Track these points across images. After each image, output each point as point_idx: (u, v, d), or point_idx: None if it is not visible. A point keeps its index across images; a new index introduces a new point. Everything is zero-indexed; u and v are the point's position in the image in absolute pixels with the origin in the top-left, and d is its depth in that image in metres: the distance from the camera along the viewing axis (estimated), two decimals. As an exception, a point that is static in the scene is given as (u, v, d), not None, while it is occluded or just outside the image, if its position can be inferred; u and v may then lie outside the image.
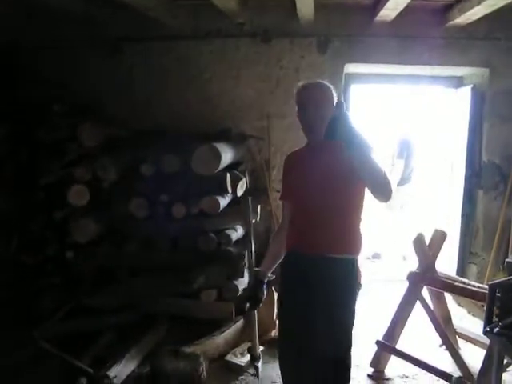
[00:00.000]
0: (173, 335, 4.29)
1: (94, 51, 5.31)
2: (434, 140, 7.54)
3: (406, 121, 7.33)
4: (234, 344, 4.28)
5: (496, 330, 2.53)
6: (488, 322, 2.71)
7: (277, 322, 4.39)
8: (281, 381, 2.89)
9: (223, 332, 4.28)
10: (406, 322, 4.06)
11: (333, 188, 2.65)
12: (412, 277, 4.05)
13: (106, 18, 5.06)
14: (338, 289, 2.64)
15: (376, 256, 7.32)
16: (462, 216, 5.61)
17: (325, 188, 2.65)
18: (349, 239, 2.71)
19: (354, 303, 2.70)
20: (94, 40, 5.25)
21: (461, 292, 3.86)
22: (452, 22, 4.91)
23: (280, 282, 2.88)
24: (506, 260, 3.49)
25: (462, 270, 5.64)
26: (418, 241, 4.05)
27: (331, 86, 2.73)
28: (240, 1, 4.72)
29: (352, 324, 2.70)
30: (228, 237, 4.43)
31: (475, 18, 4.66)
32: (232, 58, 5.31)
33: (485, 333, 2.67)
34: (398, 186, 7.32)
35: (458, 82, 5.95)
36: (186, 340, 4.06)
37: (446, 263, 5.79)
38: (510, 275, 3.36)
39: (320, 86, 2.72)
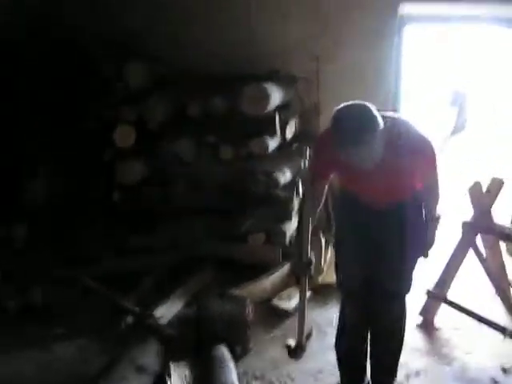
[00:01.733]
0: (220, 278, 4.28)
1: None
2: (491, 87, 7.20)
3: (461, 67, 6.94)
4: (280, 288, 4.24)
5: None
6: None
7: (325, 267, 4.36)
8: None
9: (270, 276, 4.25)
10: (457, 270, 3.93)
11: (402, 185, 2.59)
12: (466, 225, 3.89)
13: None
14: (412, 226, 2.67)
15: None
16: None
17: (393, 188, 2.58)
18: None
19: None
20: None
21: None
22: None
23: (340, 217, 2.92)
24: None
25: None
26: (475, 189, 3.87)
27: (373, 110, 2.25)
28: None
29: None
30: (276, 180, 4.31)
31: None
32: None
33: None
34: (451, 134, 7.07)
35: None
36: (232, 283, 4.05)
37: (503, 215, 5.60)
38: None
39: (365, 117, 2.22)
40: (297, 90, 5.02)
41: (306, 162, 4.65)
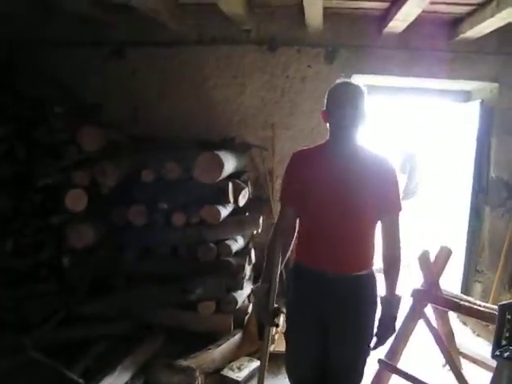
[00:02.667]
0: (168, 347, 4.16)
1: (98, 54, 5.21)
2: (441, 155, 7.44)
3: (411, 134, 7.19)
4: (230, 358, 4.16)
5: (506, 354, 2.42)
6: (497, 345, 2.60)
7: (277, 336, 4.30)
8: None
9: (220, 345, 4.17)
10: (408, 340, 3.94)
11: (364, 201, 2.58)
12: (416, 294, 3.94)
13: (110, 21, 4.98)
14: (365, 302, 2.66)
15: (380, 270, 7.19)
16: (468, 233, 5.50)
17: (356, 201, 2.57)
18: (372, 254, 2.70)
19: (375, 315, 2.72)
20: (98, 42, 5.16)
21: (466, 311, 3.75)
22: (462, 36, 4.82)
23: (293, 298, 2.77)
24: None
25: (466, 288, 5.51)
26: (423, 258, 3.93)
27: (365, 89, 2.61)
28: (247, 7, 4.63)
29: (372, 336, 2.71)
30: (228, 247, 4.32)
31: (487, 31, 4.56)
32: (237, 66, 5.22)
33: (494, 357, 2.55)
34: (402, 199, 7.21)
35: (466, 96, 5.87)
36: (182, 352, 3.96)
37: (451, 280, 5.69)
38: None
39: (358, 87, 2.57)
40: (251, 157, 5.10)
41: (258, 229, 4.70)
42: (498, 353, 2.48)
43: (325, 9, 4.59)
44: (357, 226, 2.59)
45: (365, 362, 2.74)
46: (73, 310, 4.25)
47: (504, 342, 2.62)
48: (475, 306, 3.67)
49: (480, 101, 5.37)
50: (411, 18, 4.34)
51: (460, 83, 5.54)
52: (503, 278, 5.11)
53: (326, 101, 2.58)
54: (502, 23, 4.23)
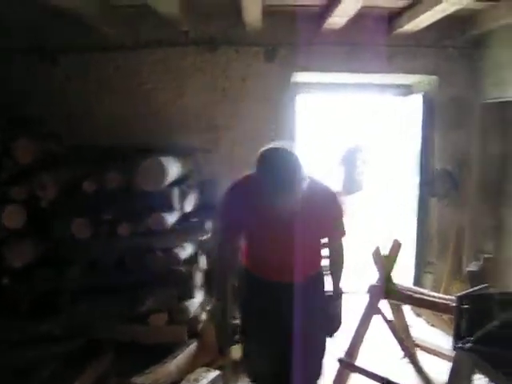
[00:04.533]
0: (121, 364, 3.98)
1: (29, 61, 4.96)
2: (385, 148, 7.49)
3: (354, 129, 7.21)
4: (187, 370, 4.02)
5: (467, 346, 2.39)
6: (457, 336, 2.59)
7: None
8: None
9: (175, 357, 4.02)
10: (365, 335, 3.92)
11: (309, 230, 2.63)
12: (371, 289, 3.92)
13: (42, 26, 4.76)
14: (316, 297, 2.84)
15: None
16: (417, 224, 5.54)
17: (301, 231, 2.57)
18: (319, 260, 2.93)
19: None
20: (29, 49, 4.91)
21: (419, 303, 3.78)
22: (400, 29, 4.85)
23: (246, 303, 2.88)
24: (467, 269, 3.41)
25: (418, 280, 5.55)
26: (376, 253, 3.93)
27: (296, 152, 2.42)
28: (184, 8, 4.50)
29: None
30: (177, 255, 4.18)
31: (424, 24, 4.60)
32: (176, 68, 5.07)
33: (455, 349, 2.53)
34: (347, 194, 7.20)
35: (407, 90, 5.92)
36: (135, 368, 3.79)
37: (404, 273, 5.73)
38: (472, 285, 3.28)
39: (294, 163, 2.35)
40: (196, 161, 4.97)
41: (207, 234, 4.58)
42: (459, 345, 2.46)
43: (263, 7, 4.53)
44: (303, 249, 2.62)
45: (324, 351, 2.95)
46: (15, 331, 4.01)
47: (464, 333, 2.61)
48: (428, 298, 3.70)
49: (422, 93, 5.42)
50: (350, 14, 4.33)
51: (400, 77, 5.58)
52: (452, 267, 5.17)
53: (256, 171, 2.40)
54: (439, 16, 4.27)
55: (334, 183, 7.35)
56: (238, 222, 2.64)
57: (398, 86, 5.94)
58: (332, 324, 2.89)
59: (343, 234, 2.85)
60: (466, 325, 2.63)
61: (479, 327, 2.58)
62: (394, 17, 4.91)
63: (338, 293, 2.93)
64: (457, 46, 5.15)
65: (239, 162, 4.50)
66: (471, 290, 2.97)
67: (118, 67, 5.06)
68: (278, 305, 2.67)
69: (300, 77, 5.59)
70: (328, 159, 7.78)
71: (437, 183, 5.32)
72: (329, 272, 2.94)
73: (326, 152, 7.98)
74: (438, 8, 3.95)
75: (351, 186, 7.35)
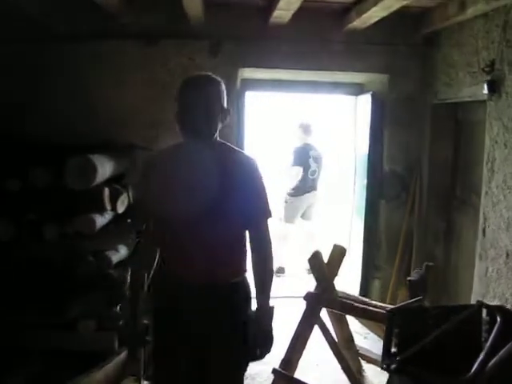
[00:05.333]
0: (48, 373, 3.73)
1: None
2: (336, 149, 7.36)
3: (305, 128, 6.97)
4: (116, 380, 3.79)
5: (393, 366, 2.20)
6: (386, 354, 2.40)
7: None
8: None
9: (103, 367, 3.77)
10: (304, 347, 3.72)
11: (229, 205, 2.31)
12: (309, 298, 3.72)
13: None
14: (239, 312, 2.44)
15: (280, 271, 7.00)
16: (365, 227, 5.39)
17: (220, 205, 2.28)
18: (243, 261, 2.47)
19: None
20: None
21: (361, 314, 3.60)
22: (350, 26, 4.67)
23: (156, 313, 2.49)
24: (408, 278, 3.24)
25: (366, 285, 5.41)
26: (315, 259, 3.73)
27: (221, 81, 2.36)
28: (124, -1, 4.26)
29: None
30: (108, 259, 3.94)
31: (373, 20, 4.43)
32: (115, 62, 4.77)
33: (382, 368, 2.34)
34: (301, 195, 7.01)
35: (359, 88, 5.77)
36: (62, 377, 3.54)
37: (352, 278, 5.59)
38: (412, 295, 3.10)
39: (212, 81, 2.31)
40: (134, 159, 4.70)
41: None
42: (385, 365, 2.27)
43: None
44: (223, 233, 2.33)
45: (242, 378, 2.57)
46: None
47: (394, 350, 2.43)
48: (369, 308, 3.51)
49: (371, 93, 5.27)
50: (294, 7, 4.12)
51: (351, 75, 5.42)
52: (400, 272, 5.04)
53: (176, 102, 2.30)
54: (386, 12, 4.10)
55: (288, 182, 7.17)
56: (154, 196, 2.35)
57: (351, 85, 5.78)
58: (262, 343, 2.46)
59: (268, 214, 2.44)
60: (398, 341, 2.45)
61: (411, 344, 2.40)
62: (344, 12, 4.73)
63: (267, 307, 2.45)
64: (408, 44, 4.99)
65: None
66: (405, 303, 2.79)
67: (55, 60, 4.73)
68: (192, 314, 2.33)
69: (249, 73, 5.39)
70: (280, 158, 7.58)
71: (386, 185, 5.18)
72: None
73: (277, 150, 7.80)
74: (384, 3, 3.77)
75: (305, 185, 7.13)
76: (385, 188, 5.19)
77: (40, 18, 4.31)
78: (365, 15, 4.22)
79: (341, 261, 3.83)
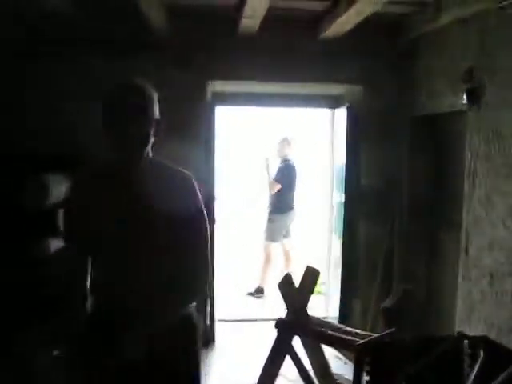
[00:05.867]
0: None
1: None
2: (315, 164, 7.11)
3: (286, 142, 6.73)
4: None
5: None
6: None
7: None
8: None
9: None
10: (275, 377, 3.45)
11: (163, 229, 2.01)
12: (281, 325, 3.44)
13: None
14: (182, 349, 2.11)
15: (259, 291, 6.73)
16: (343, 245, 5.10)
17: (152, 228, 2.01)
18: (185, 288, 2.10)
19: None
20: None
21: (336, 343, 3.31)
22: (324, 35, 4.44)
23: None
24: (382, 305, 2.97)
25: (345, 307, 5.11)
26: (285, 283, 3.46)
27: (153, 88, 2.08)
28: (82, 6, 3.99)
29: None
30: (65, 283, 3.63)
31: (345, 29, 4.21)
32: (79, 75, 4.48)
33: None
34: (286, 212, 6.74)
35: (337, 101, 5.53)
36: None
37: (332, 300, 5.35)
38: (387, 325, 2.84)
39: (141, 91, 2.00)
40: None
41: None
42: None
43: (170, 7, 4.08)
44: (153, 261, 2.04)
45: None
46: None
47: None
48: (346, 336, 3.23)
49: (347, 105, 5.03)
50: (260, 14, 3.88)
51: (328, 87, 5.20)
52: (382, 292, 4.77)
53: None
54: (357, 19, 3.88)
55: (268, 199, 6.92)
56: (80, 218, 2.06)
57: (328, 97, 5.55)
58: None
59: (205, 239, 2.12)
60: (369, 378, 2.18)
61: (385, 382, 2.13)
62: (316, 21, 4.50)
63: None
64: (385, 54, 4.77)
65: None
66: (376, 336, 2.52)
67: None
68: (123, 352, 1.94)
69: (220, 87, 5.15)
70: (256, 175, 7.33)
71: (364, 201, 4.92)
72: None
73: (251, 167, 7.54)
74: (354, 9, 3.55)
75: (288, 202, 6.87)
76: (363, 205, 4.94)
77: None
78: (338, 21, 3.98)
79: (314, 284, 3.57)
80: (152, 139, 2.03)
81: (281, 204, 6.80)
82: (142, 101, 1.96)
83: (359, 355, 2.19)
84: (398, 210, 4.84)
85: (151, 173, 2.05)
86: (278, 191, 6.76)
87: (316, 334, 3.32)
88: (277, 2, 3.93)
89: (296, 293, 3.46)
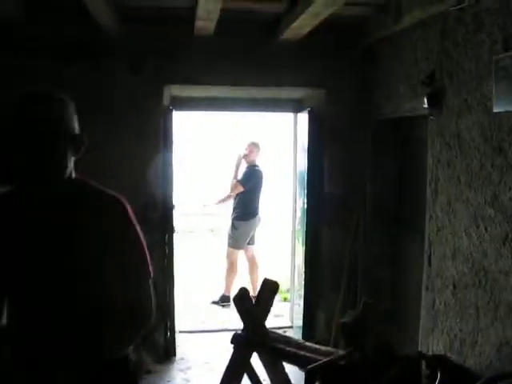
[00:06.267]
0: None
1: None
2: (278, 169, 6.97)
3: (253, 147, 6.57)
4: None
5: None
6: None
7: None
8: None
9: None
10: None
11: (91, 263, 1.77)
12: (237, 341, 3.28)
13: None
14: None
15: (224, 299, 6.55)
16: (306, 253, 4.95)
17: (77, 263, 1.76)
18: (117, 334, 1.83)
19: None
20: None
21: (294, 360, 3.15)
22: (283, 37, 4.30)
23: None
24: (341, 320, 2.83)
25: (309, 317, 4.96)
26: (240, 297, 3.30)
27: (69, 100, 1.78)
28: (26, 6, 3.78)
29: None
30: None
31: (305, 31, 4.08)
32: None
33: None
34: (251, 219, 6.58)
35: (299, 105, 5.40)
36: None
37: (296, 309, 5.20)
38: (347, 342, 2.69)
39: (55, 103, 1.72)
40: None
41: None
42: None
43: (122, 9, 3.90)
44: (81, 300, 1.78)
45: None
46: None
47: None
48: (305, 354, 3.07)
49: (308, 110, 4.89)
50: (215, 16, 3.72)
51: (289, 91, 5.09)
52: (345, 301, 4.65)
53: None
54: (315, 21, 3.74)
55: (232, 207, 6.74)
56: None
57: (289, 101, 5.42)
58: None
59: (143, 271, 1.86)
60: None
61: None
62: (275, 23, 4.35)
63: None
64: (346, 57, 4.66)
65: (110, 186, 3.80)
66: (326, 359, 2.37)
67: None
68: None
69: (178, 91, 4.98)
70: (218, 182, 7.16)
71: (327, 208, 4.79)
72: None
73: (214, 174, 7.37)
74: (311, 10, 3.41)
75: (253, 209, 6.71)
76: (326, 211, 4.80)
77: None
78: (294, 24, 3.85)
79: (272, 298, 3.41)
80: (71, 158, 1.76)
81: (245, 210, 6.65)
82: (55, 114, 1.70)
83: (309, 378, 2.04)
84: (362, 217, 4.72)
85: (73, 197, 1.79)
86: (241, 196, 6.60)
87: (273, 350, 3.17)
88: (233, 4, 3.79)
89: (252, 307, 3.30)
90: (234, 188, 6.69)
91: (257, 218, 6.78)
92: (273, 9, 4.08)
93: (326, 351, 3.07)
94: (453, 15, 3.24)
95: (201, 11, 3.58)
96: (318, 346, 3.18)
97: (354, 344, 2.51)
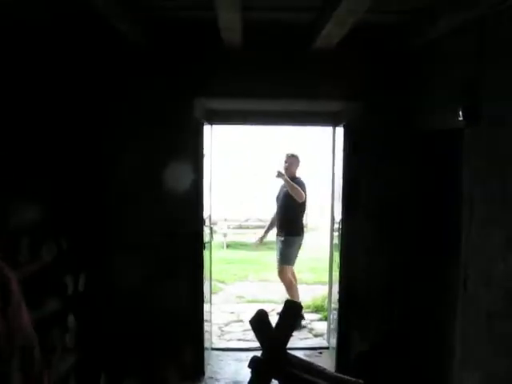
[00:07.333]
0: None
1: None
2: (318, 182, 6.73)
3: (293, 160, 6.34)
4: None
5: None
6: None
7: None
8: None
9: None
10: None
11: None
12: (255, 366, 3.11)
13: None
14: None
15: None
16: (340, 277, 4.65)
17: None
18: None
19: None
20: None
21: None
22: (315, 47, 4.15)
23: None
24: (358, 349, 2.63)
25: (343, 339, 4.66)
26: (259, 320, 3.13)
27: None
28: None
29: None
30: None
31: (335, 40, 3.89)
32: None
33: None
34: (298, 235, 6.29)
35: (336, 118, 5.18)
36: None
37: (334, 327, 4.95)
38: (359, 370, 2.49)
39: None
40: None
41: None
42: None
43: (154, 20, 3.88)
44: None
45: None
46: None
47: None
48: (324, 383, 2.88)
49: (344, 123, 4.65)
50: (235, 26, 3.59)
51: (325, 104, 4.88)
52: (379, 325, 4.37)
53: None
54: (343, 30, 3.56)
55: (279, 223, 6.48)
56: None
57: (327, 114, 5.20)
58: None
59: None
60: None
61: None
62: (307, 32, 4.17)
63: None
64: (380, 68, 4.45)
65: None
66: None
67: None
68: None
69: (212, 104, 4.88)
70: (260, 197, 6.98)
71: (361, 225, 4.55)
72: None
73: (254, 189, 7.20)
74: (337, 19, 3.23)
75: (299, 225, 6.44)
76: (362, 228, 4.56)
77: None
78: (323, 33, 3.68)
79: (295, 320, 3.26)
80: None
81: (295, 225, 6.38)
82: None
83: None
84: (400, 239, 4.44)
85: None
86: (288, 210, 6.28)
87: (290, 377, 2.98)
88: (259, 15, 3.68)
89: (271, 330, 3.13)
90: (299, 194, 6.25)
91: (304, 232, 6.55)
92: (301, 17, 3.93)
93: (342, 379, 2.87)
94: (491, 19, 2.99)
95: (222, 21, 3.48)
96: (338, 375, 2.99)
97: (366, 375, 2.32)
